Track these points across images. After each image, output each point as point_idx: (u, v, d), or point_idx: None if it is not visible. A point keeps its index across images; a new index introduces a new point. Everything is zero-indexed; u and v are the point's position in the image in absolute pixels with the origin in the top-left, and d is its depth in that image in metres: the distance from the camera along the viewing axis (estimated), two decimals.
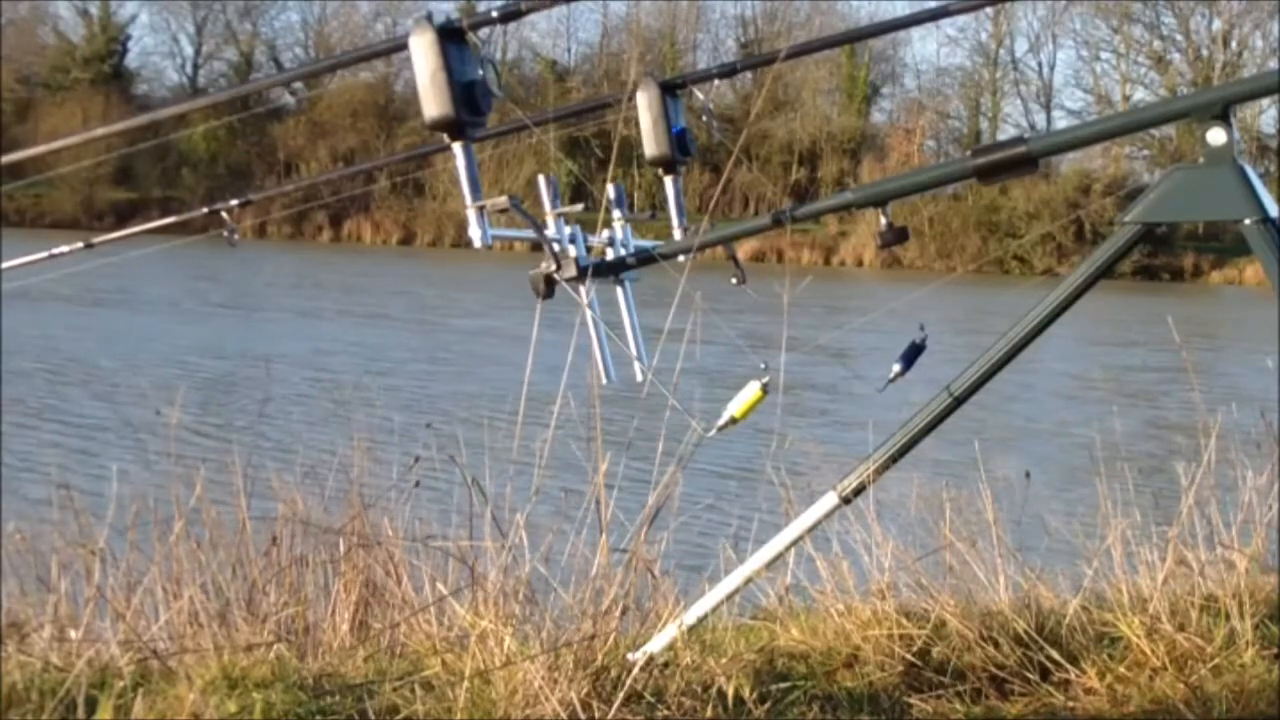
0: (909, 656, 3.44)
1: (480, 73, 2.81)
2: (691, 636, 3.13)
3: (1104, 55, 54.50)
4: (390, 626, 3.73)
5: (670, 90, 3.27)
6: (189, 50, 55.83)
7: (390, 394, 13.28)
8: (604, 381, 3.10)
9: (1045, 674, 3.47)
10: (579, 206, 3.05)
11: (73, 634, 3.58)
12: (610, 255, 3.24)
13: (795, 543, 3.17)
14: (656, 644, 3.05)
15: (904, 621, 3.53)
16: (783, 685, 3.23)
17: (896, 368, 3.02)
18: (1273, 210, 2.69)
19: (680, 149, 3.28)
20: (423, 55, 2.76)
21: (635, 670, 2.94)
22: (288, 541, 4.12)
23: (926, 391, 3.01)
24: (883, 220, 2.98)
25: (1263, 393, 4.57)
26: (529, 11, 2.88)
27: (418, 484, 4.23)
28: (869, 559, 3.81)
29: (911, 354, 3.02)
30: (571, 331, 3.00)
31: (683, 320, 3.10)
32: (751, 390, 3.01)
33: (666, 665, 3.05)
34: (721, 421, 3.04)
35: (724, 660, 3.13)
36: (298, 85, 3.08)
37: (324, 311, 26.40)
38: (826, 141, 51.04)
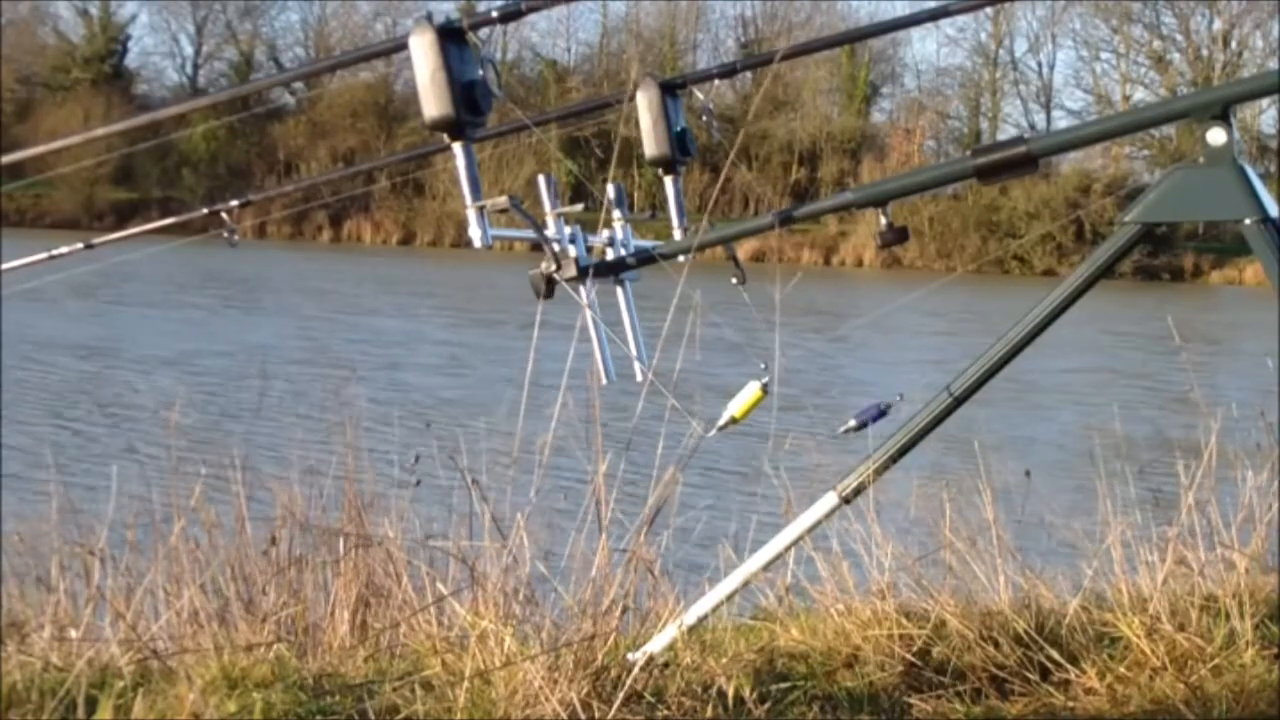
0: (909, 656, 3.44)
1: (480, 73, 2.81)
2: (691, 636, 3.13)
3: (1104, 55, 54.53)
4: (390, 626, 3.74)
5: (670, 90, 3.27)
6: (189, 50, 55.84)
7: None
8: (604, 382, 3.10)
9: (1045, 674, 3.47)
10: (579, 206, 3.05)
11: (73, 634, 3.58)
12: (610, 255, 3.24)
13: (795, 543, 3.17)
14: (656, 644, 3.05)
15: (904, 621, 3.53)
16: (783, 685, 3.23)
17: (852, 422, 3.03)
18: (1273, 210, 2.69)
19: (680, 149, 3.27)
20: (423, 55, 2.76)
21: (635, 670, 2.94)
22: (287, 541, 4.13)
23: (926, 392, 3.01)
24: (883, 220, 2.98)
25: (1263, 392, 4.57)
26: (529, 11, 2.88)
27: (419, 483, 4.23)
28: (869, 559, 3.81)
29: (873, 414, 3.02)
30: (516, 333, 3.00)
31: (682, 321, 3.10)
32: (751, 390, 3.01)
33: (666, 665, 3.05)
34: (722, 422, 3.04)
35: (724, 660, 3.13)
36: (298, 85, 3.08)
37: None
38: (826, 141, 51.00)
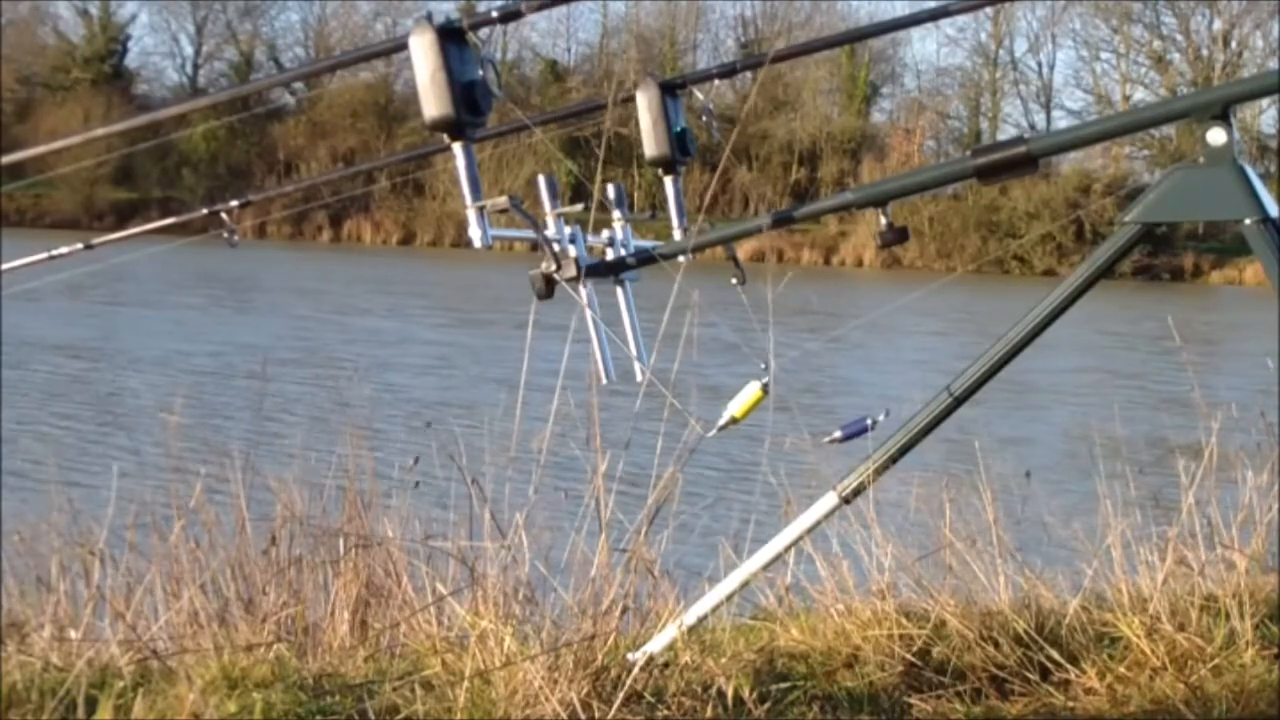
0: (909, 656, 3.44)
1: (480, 73, 2.80)
2: (691, 636, 3.13)
3: (1104, 55, 54.58)
4: (390, 626, 3.74)
5: (670, 90, 3.26)
6: (189, 50, 55.92)
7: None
8: (604, 381, 3.10)
9: (1045, 674, 3.47)
10: (579, 207, 3.05)
11: (73, 634, 3.58)
12: (610, 255, 3.23)
13: (795, 543, 3.17)
14: (656, 644, 3.05)
15: (904, 621, 3.53)
16: (783, 685, 3.23)
17: (837, 434, 3.03)
18: (1273, 210, 2.69)
19: (680, 149, 3.27)
20: (422, 55, 2.75)
21: (635, 670, 2.94)
22: (287, 541, 4.13)
23: (926, 392, 3.01)
24: (883, 220, 2.98)
25: (1263, 393, 4.57)
26: (529, 12, 2.87)
27: (417, 484, 4.23)
28: (869, 559, 3.81)
29: (857, 429, 3.03)
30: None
31: (681, 320, 3.10)
32: (752, 390, 3.01)
33: (666, 665, 3.05)
34: (722, 421, 3.03)
35: (724, 660, 3.13)
36: (298, 85, 3.08)
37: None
38: (826, 141, 51.02)
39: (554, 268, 3.02)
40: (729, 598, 3.19)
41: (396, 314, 26.53)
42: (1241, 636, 3.59)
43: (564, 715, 2.83)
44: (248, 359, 17.94)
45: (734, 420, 3.04)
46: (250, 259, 34.03)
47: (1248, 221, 2.68)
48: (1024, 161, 2.86)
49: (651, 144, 3.24)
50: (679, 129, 3.25)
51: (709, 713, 2.98)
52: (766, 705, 3.06)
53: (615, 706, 2.87)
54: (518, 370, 3.03)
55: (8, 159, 3.36)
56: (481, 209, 2.87)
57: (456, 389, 16.96)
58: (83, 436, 12.87)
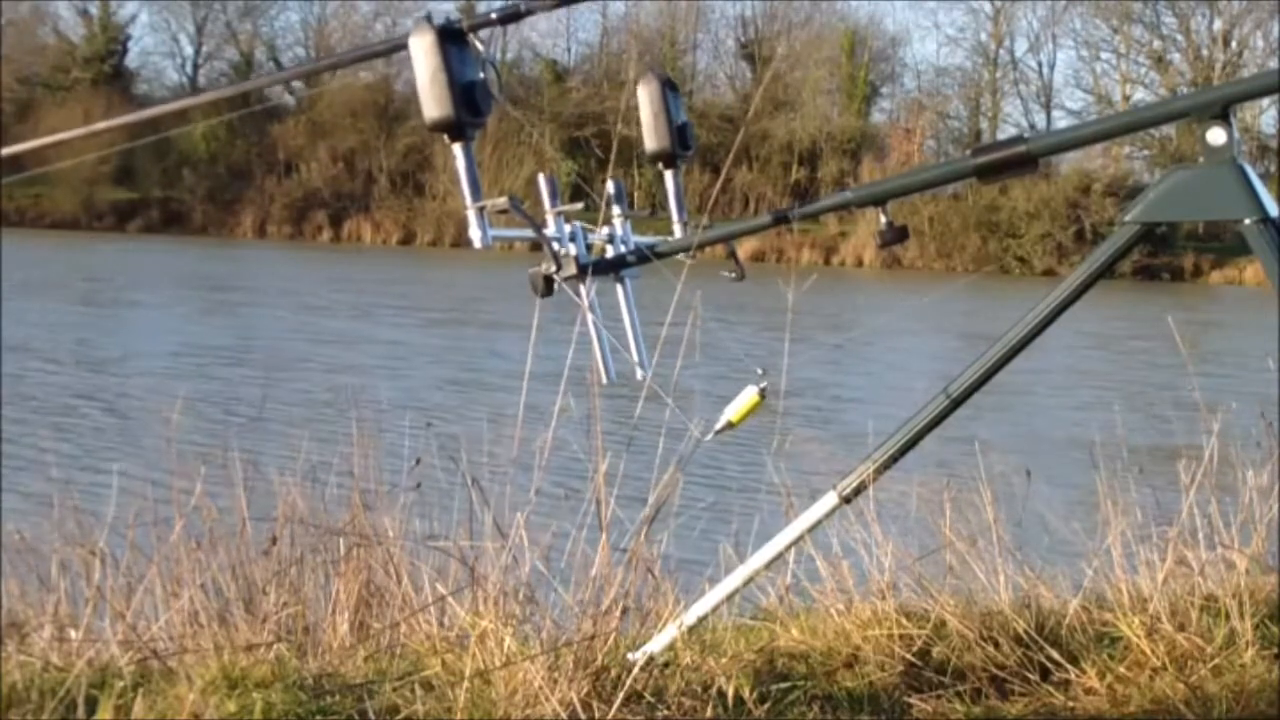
0: (909, 656, 3.44)
1: (480, 74, 2.80)
2: (691, 636, 3.13)
3: (1104, 55, 54.56)
4: (390, 626, 3.73)
5: (671, 85, 3.23)
6: (189, 50, 55.88)
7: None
8: (604, 381, 3.10)
9: (1045, 674, 3.47)
10: (579, 205, 3.04)
11: (73, 634, 3.58)
12: (610, 253, 3.22)
13: (795, 542, 3.17)
14: (656, 644, 3.05)
15: (904, 621, 3.53)
16: (783, 685, 3.23)
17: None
18: (1273, 210, 2.69)
19: (681, 143, 3.26)
20: (422, 56, 2.75)
21: (635, 670, 2.94)
22: (288, 541, 4.12)
23: (927, 392, 3.01)
24: (882, 220, 2.98)
25: (1263, 392, 4.57)
26: (529, 14, 2.87)
27: (419, 486, 4.22)
28: (869, 559, 3.81)
29: None
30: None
31: (682, 319, 3.10)
32: (749, 395, 3.00)
33: (666, 665, 3.05)
34: (718, 426, 3.03)
35: (724, 660, 3.13)
36: (297, 84, 3.07)
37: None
38: (826, 141, 51.00)
39: (554, 268, 3.01)
40: (729, 597, 3.18)
41: (403, 316, 26.55)
42: (1241, 636, 3.59)
43: (564, 715, 2.83)
44: (264, 362, 17.95)
45: (730, 425, 3.03)
46: (257, 259, 34.05)
47: (1247, 221, 2.69)
48: (1024, 161, 2.86)
49: (652, 138, 3.23)
50: (680, 123, 3.24)
51: (709, 713, 2.98)
52: (766, 705, 3.06)
53: (615, 706, 2.87)
54: (504, 370, 3.04)
55: (7, 151, 3.35)
56: (481, 209, 2.87)
57: (454, 389, 16.97)
58: (79, 437, 12.86)
